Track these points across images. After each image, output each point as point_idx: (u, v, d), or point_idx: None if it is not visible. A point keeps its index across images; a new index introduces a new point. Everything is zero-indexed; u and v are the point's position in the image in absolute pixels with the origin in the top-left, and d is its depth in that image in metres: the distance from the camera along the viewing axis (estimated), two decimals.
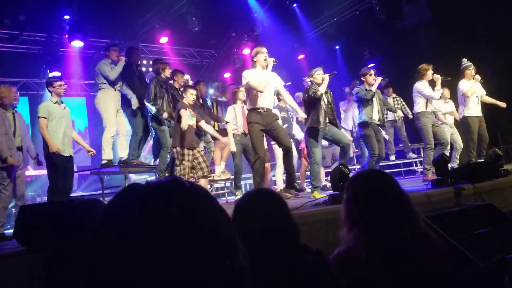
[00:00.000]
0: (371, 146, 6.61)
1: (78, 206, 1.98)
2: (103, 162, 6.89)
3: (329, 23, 12.10)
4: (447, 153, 6.80)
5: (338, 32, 12.21)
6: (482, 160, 6.98)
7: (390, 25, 11.52)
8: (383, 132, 7.88)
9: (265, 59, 5.62)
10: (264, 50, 5.71)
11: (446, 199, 4.60)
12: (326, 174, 8.33)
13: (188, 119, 5.89)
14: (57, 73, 10.29)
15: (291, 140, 7.37)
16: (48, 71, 10.38)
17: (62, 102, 5.99)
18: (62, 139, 5.74)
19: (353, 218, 1.93)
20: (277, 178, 7.44)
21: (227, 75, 12.97)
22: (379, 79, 6.80)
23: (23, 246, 3.23)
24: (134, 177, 10.07)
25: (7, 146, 5.26)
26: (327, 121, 6.20)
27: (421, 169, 9.72)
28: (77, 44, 9.43)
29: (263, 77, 5.55)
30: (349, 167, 9.29)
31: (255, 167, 5.60)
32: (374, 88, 6.68)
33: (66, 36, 9.40)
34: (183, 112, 5.87)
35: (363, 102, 6.72)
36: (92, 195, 8.10)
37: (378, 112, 6.74)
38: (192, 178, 6.05)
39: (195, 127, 6.12)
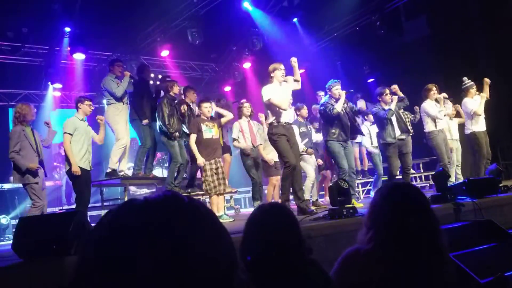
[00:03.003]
0: (390, 166, 6.76)
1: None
2: (108, 170, 7.03)
3: (329, 38, 12.18)
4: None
5: (339, 47, 12.27)
6: (481, 177, 6.99)
7: (390, 41, 11.59)
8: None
9: (282, 75, 5.73)
10: (282, 67, 5.80)
11: (445, 215, 4.58)
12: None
13: (206, 132, 5.93)
14: (58, 85, 10.36)
15: (314, 152, 7.54)
16: (50, 83, 10.42)
17: (85, 120, 6.32)
18: (84, 155, 6.09)
19: (375, 223, 1.91)
20: (306, 188, 7.41)
21: (227, 88, 13.01)
22: (395, 98, 6.84)
23: (22, 258, 3.22)
24: (134, 189, 10.06)
25: (27, 161, 5.70)
26: (346, 136, 6.37)
27: (421, 184, 9.77)
28: (79, 56, 9.50)
29: (284, 94, 5.65)
30: (361, 180, 9.40)
31: (284, 173, 5.61)
32: (393, 107, 6.75)
33: (68, 48, 9.47)
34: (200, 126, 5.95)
35: (383, 121, 6.78)
36: (91, 207, 8.04)
37: (398, 123, 6.84)
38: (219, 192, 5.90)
39: (216, 138, 6.05)
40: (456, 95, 7.86)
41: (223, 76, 13.29)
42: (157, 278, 0.64)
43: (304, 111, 7.69)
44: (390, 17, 10.91)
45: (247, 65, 12.47)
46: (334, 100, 6.34)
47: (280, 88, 5.72)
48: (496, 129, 8.10)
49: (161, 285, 0.64)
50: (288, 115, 5.86)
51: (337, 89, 6.37)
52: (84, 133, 6.18)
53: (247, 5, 10.73)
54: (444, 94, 7.51)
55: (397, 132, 6.79)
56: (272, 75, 5.76)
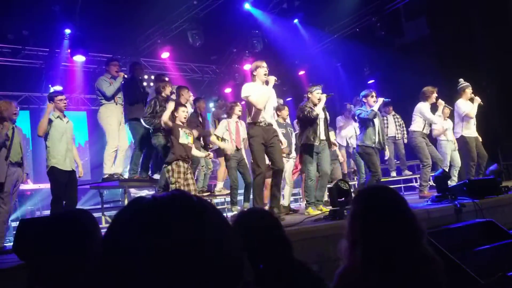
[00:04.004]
0: (373, 165, 6.55)
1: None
2: (105, 176, 6.79)
3: (330, 39, 12.20)
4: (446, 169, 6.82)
5: (339, 48, 12.29)
6: (482, 177, 6.97)
7: (390, 42, 11.61)
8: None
9: (265, 74, 5.45)
10: (264, 64, 5.52)
11: (446, 216, 4.59)
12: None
13: (183, 138, 5.70)
14: (58, 87, 10.35)
15: (291, 157, 7.36)
16: (50, 85, 10.42)
17: (65, 116, 5.94)
18: (65, 154, 5.68)
19: (355, 235, 1.88)
20: (286, 193, 7.25)
21: (228, 90, 13.02)
22: (380, 100, 6.76)
23: (23, 260, 3.22)
24: (134, 191, 10.05)
25: None
26: (323, 138, 6.17)
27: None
28: (79, 58, 9.49)
29: (262, 93, 5.40)
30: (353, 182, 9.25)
31: (256, 182, 5.43)
32: (376, 108, 6.61)
33: (69, 50, 9.47)
34: (178, 132, 5.70)
35: (366, 124, 6.67)
36: (91, 209, 8.03)
37: (379, 134, 6.66)
38: None
39: (191, 146, 5.87)
40: (456, 96, 7.84)
41: (224, 78, 13.31)
42: (162, 276, 0.65)
43: (285, 112, 7.44)
44: (390, 18, 10.93)
45: (247, 66, 12.45)
46: (313, 105, 6.18)
47: (261, 87, 5.47)
48: (496, 129, 8.10)
49: (166, 283, 0.65)
50: (269, 116, 5.62)
51: (318, 92, 6.18)
52: (63, 132, 5.76)
53: (247, 7, 10.76)
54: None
55: (376, 139, 6.60)
56: (254, 73, 5.51)
